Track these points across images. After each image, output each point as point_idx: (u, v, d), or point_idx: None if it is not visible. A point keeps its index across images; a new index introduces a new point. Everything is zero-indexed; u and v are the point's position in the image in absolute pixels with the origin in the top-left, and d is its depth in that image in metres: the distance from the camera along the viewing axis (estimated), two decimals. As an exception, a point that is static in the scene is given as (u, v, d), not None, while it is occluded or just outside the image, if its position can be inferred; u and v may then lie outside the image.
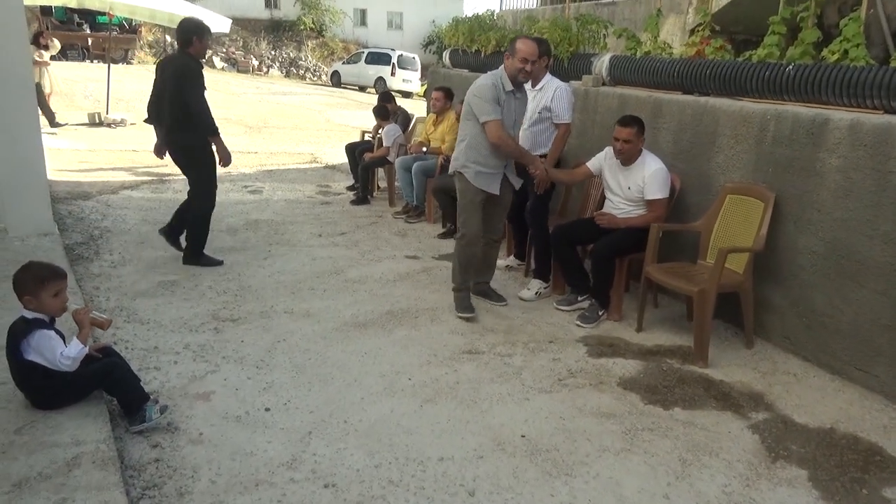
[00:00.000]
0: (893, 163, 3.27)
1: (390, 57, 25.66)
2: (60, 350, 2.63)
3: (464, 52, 7.52)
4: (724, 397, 3.38)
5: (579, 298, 4.46)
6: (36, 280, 2.64)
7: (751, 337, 3.98)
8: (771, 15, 4.28)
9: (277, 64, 28.47)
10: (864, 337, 3.48)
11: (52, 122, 10.77)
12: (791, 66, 3.89)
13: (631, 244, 4.15)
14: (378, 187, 7.85)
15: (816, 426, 3.15)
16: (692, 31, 5.47)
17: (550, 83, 4.56)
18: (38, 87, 10.53)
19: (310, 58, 29.47)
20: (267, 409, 3.02)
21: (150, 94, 4.84)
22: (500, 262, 4.92)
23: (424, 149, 6.63)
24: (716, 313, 3.82)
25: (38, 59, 10.47)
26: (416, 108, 13.58)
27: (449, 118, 6.47)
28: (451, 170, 4.15)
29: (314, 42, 30.31)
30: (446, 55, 8.11)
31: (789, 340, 3.89)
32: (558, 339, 3.99)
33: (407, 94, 24.97)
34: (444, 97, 6.47)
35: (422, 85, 28.26)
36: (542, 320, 4.28)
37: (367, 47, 29.22)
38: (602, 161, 4.40)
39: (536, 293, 4.67)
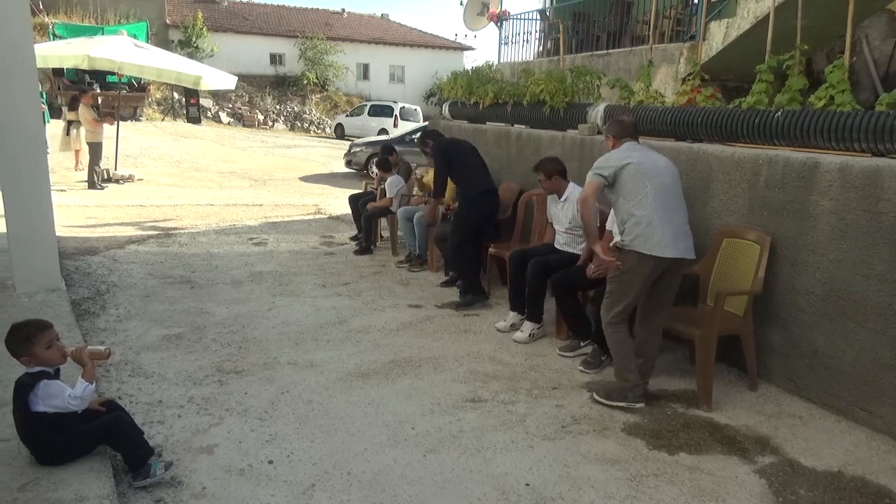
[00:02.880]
0: (884, 204, 3.33)
1: (392, 109, 26.16)
2: (68, 392, 2.66)
3: (463, 104, 7.70)
4: (729, 441, 3.36)
5: (582, 344, 4.47)
6: (22, 340, 2.67)
7: (755, 379, 3.97)
8: (758, 63, 4.40)
9: (282, 118, 29.02)
10: (867, 377, 3.47)
11: (97, 183, 11.08)
12: (779, 112, 3.98)
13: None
14: (381, 237, 7.92)
15: (824, 469, 3.12)
16: (683, 80, 5.63)
17: (573, 194, 4.80)
18: (95, 148, 10.96)
19: (314, 111, 30.05)
20: (270, 462, 3.02)
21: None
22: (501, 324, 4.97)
23: (427, 199, 6.73)
24: (719, 356, 3.82)
25: (94, 121, 10.96)
26: (420, 158, 13.78)
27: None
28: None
29: (318, 96, 30.95)
30: (446, 107, 8.30)
31: (793, 382, 3.88)
32: (562, 385, 3.99)
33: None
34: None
35: (405, 133, 28.67)
36: (545, 366, 4.28)
37: (370, 100, 29.80)
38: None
39: (530, 335, 4.71)
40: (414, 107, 27.31)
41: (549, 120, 6.20)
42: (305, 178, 14.35)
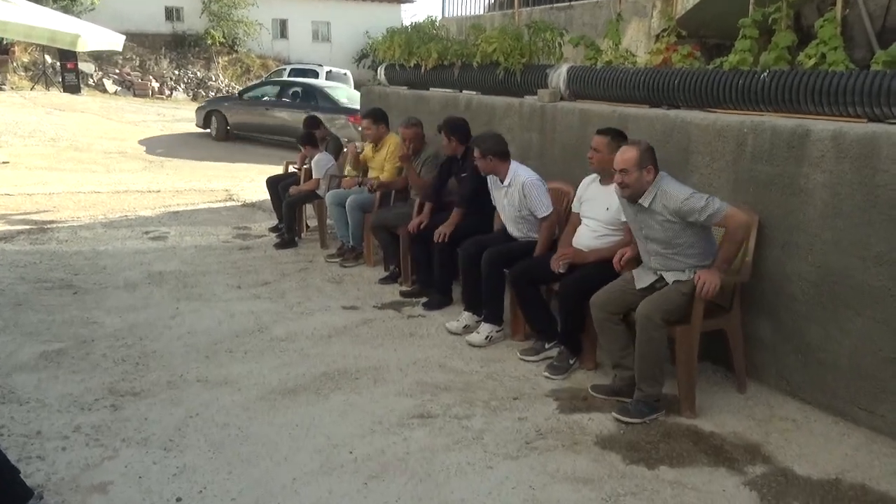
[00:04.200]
0: (881, 176, 3.49)
1: (317, 73, 25.89)
2: None
3: (401, 67, 7.69)
4: (716, 451, 3.47)
5: (546, 346, 4.55)
6: None
7: (742, 379, 4.11)
8: (741, 17, 4.53)
9: (182, 85, 28.36)
10: (867, 372, 3.64)
11: None
12: (766, 73, 4.12)
13: (602, 280, 4.24)
14: (307, 227, 7.87)
15: (820, 477, 3.26)
16: (657, 37, 5.75)
17: (517, 178, 4.87)
18: None
19: (221, 77, 29.46)
20: (178, 500, 2.98)
21: None
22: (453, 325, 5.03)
23: (360, 181, 6.70)
24: (701, 354, 3.94)
25: None
26: (348, 131, 13.73)
27: (389, 144, 6.57)
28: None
29: (226, 59, 30.34)
30: (381, 71, 8.27)
31: (785, 381, 4.03)
32: (524, 394, 4.05)
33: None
34: (373, 124, 6.58)
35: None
36: (503, 373, 4.34)
37: (289, 63, 29.40)
38: (582, 189, 4.61)
39: (487, 338, 4.76)
40: (343, 71, 27.09)
41: (504, 84, 6.25)
42: (209, 157, 14.09)
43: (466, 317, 5.00)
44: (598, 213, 4.45)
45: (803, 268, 3.87)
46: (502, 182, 4.96)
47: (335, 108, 16.30)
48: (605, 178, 4.44)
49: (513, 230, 5.00)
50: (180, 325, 4.97)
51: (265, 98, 17.73)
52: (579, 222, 4.62)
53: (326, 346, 4.69)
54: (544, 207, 4.79)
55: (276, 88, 18.12)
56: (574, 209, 4.71)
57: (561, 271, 4.35)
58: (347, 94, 17.72)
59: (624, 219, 4.29)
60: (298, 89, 17.41)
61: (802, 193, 3.84)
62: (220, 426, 3.59)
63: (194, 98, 28.04)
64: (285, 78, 22.38)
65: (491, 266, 4.73)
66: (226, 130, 17.47)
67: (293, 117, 16.71)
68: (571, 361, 4.36)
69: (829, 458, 3.42)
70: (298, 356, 4.50)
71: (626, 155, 3.78)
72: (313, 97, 16.86)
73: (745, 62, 4.36)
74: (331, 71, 26.51)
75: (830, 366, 3.80)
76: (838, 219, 3.69)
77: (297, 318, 5.18)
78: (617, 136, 4.38)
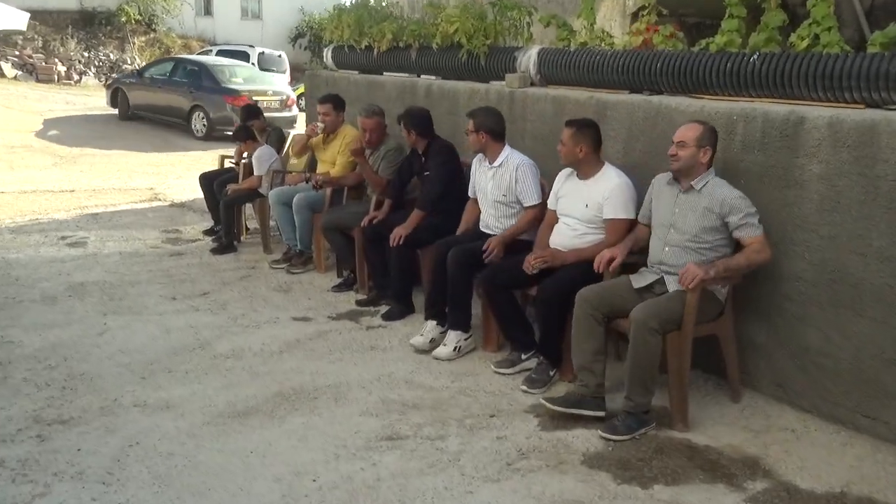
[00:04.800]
0: (881, 166, 3.64)
1: (248, 56, 25.67)
2: None
3: (351, 49, 7.71)
4: (712, 466, 3.58)
5: (523, 357, 4.61)
6: None
7: (737, 388, 4.24)
8: (726, -6, 4.66)
9: (93, 69, 27.87)
10: (869, 376, 3.79)
11: None
12: (755, 56, 4.25)
13: (584, 282, 4.32)
14: (247, 229, 7.84)
15: (825, 491, 3.39)
16: (633, 16, 5.87)
17: (511, 161, 4.99)
18: None
19: (138, 60, 29.01)
20: (123, 539, 2.96)
21: None
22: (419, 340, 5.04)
23: (308, 177, 6.68)
24: (692, 362, 4.05)
25: None
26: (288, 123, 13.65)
27: (343, 136, 6.57)
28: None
29: (143, 39, 29.90)
30: (328, 53, 8.27)
31: (782, 388, 4.17)
32: (501, 411, 4.11)
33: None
34: (333, 109, 6.57)
35: (294, 90, 28.40)
36: (477, 388, 4.40)
37: (215, 44, 29.10)
38: (558, 184, 4.71)
39: (456, 349, 4.81)
40: (277, 52, 26.94)
41: (468, 69, 6.32)
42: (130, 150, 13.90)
43: (431, 328, 5.03)
44: (576, 210, 4.54)
45: (799, 266, 4.00)
46: (491, 163, 5.03)
47: (216, 88, 16.99)
48: (583, 172, 4.54)
49: (489, 220, 5.06)
50: (110, 343, 4.92)
51: (158, 77, 18.55)
52: (556, 220, 4.70)
53: (278, 362, 4.69)
54: (535, 195, 4.91)
55: (170, 65, 18.83)
56: (550, 206, 4.79)
57: (533, 272, 4.41)
58: (248, 75, 18.52)
59: (607, 216, 4.38)
60: (188, 67, 18.24)
61: (797, 186, 3.97)
62: (164, 456, 3.57)
63: (107, 83, 27.59)
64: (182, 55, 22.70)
65: (458, 265, 4.77)
66: (128, 109, 18.52)
67: (174, 98, 17.79)
68: (552, 373, 4.43)
69: (832, 470, 3.56)
70: (247, 375, 4.50)
71: (688, 128, 4.04)
72: (199, 76, 17.60)
73: (732, 44, 4.49)
74: (263, 53, 26.34)
75: (830, 371, 3.94)
76: (836, 213, 3.84)
77: (242, 333, 5.17)
78: (583, 128, 4.50)
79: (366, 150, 6.14)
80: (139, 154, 13.85)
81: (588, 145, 4.48)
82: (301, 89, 28.21)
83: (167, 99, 17.90)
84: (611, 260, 4.16)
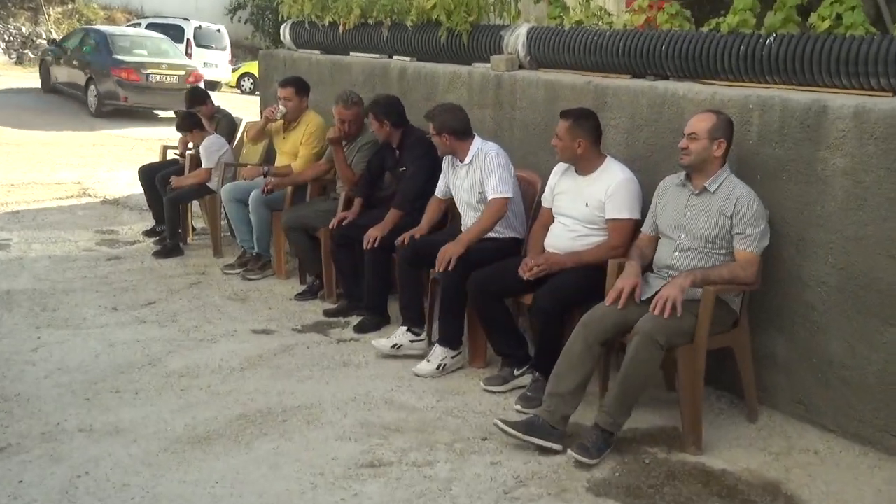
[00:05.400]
0: (913, 161, 3.76)
1: (183, 30, 25.50)
2: None
3: (312, 25, 7.72)
4: (730, 493, 3.66)
5: (516, 373, 4.68)
6: None
7: (754, 406, 4.34)
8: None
9: (2, 44, 27.49)
10: (899, 392, 3.91)
11: None
12: (772, 38, 4.36)
13: (585, 290, 4.41)
14: (193, 229, 7.81)
15: (854, 519, 3.50)
16: (633, -9, 5.96)
17: (480, 154, 5.04)
18: None
19: (54, 33, 28.66)
20: (78, 583, 2.96)
21: None
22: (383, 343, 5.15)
23: (266, 170, 6.68)
24: (706, 378, 4.13)
25: None
26: (234, 105, 13.57)
27: (307, 123, 6.58)
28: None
29: (59, 10, 29.55)
30: (286, 30, 8.27)
31: (803, 406, 4.28)
32: (494, 433, 4.13)
33: (210, 86, 24.78)
34: (296, 94, 6.59)
35: (233, 70, 28.24)
36: (466, 409, 4.45)
37: (143, 16, 28.83)
38: (554, 179, 4.78)
39: (439, 367, 4.86)
40: (216, 27, 26.83)
41: (448, 49, 6.38)
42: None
43: (400, 333, 5.09)
44: (575, 209, 4.61)
45: (822, 270, 4.11)
46: (462, 161, 5.11)
47: (105, 59, 17.58)
48: (583, 168, 4.61)
49: (469, 224, 5.11)
50: (46, 360, 4.89)
51: (71, 48, 19.27)
52: (551, 220, 4.77)
53: (240, 381, 4.70)
54: (497, 187, 4.89)
55: (80, 36, 19.51)
56: (544, 204, 4.87)
57: (528, 278, 4.48)
58: (156, 47, 19.04)
59: (609, 215, 4.45)
60: (92, 38, 18.88)
61: (820, 181, 4.08)
62: (118, 487, 3.56)
63: (19, 61, 27.20)
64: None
65: (451, 276, 4.81)
66: (50, 82, 19.83)
67: (75, 72, 18.54)
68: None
69: (859, 495, 3.66)
70: (205, 395, 4.50)
71: (700, 119, 4.11)
72: (98, 48, 18.25)
73: (746, 24, 4.59)
74: (200, 27, 26.20)
75: (856, 386, 4.05)
76: (862, 211, 3.94)
77: (196, 347, 5.17)
78: (581, 119, 4.56)
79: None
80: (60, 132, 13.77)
81: (587, 139, 4.54)
82: (243, 69, 28.28)
83: (71, 73, 18.81)
84: (631, 291, 4.05)
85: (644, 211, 4.49)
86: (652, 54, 4.92)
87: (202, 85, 17.08)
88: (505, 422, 4.02)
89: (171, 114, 18.33)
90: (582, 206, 4.58)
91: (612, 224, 4.50)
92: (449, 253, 4.75)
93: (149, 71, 17.32)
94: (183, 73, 18.12)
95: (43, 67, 20.40)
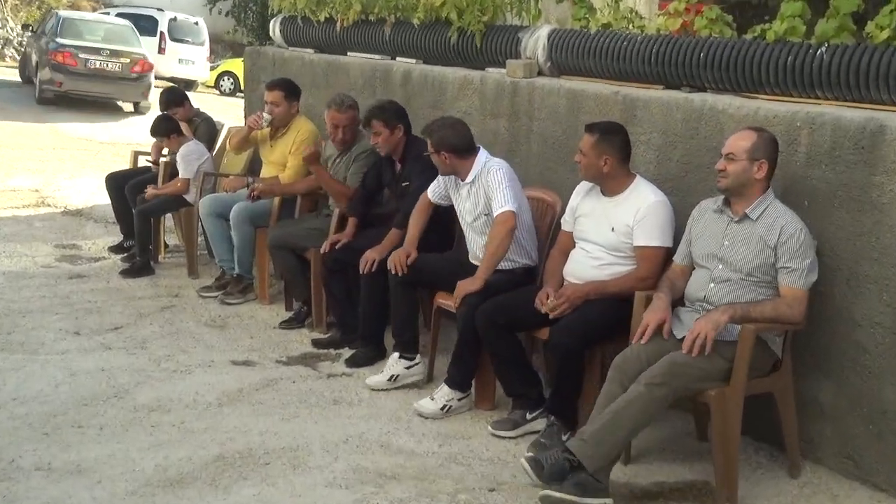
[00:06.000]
0: (980, 189, 3.80)
1: (156, 21, 25.65)
2: None
3: (306, 21, 7.78)
4: (768, 558, 3.68)
5: (528, 416, 4.68)
6: None
7: (796, 460, 4.34)
8: (784, -30, 4.82)
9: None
10: (961, 449, 3.92)
11: None
12: (824, 48, 4.40)
13: (608, 324, 4.43)
14: (166, 246, 7.83)
15: (907, 591, 3.50)
16: (666, -7, 6.00)
17: (484, 170, 5.05)
18: None
19: (11, 23, 28.86)
20: None
21: None
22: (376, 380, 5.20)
23: (250, 180, 6.72)
24: (743, 427, 4.15)
25: None
26: (213, 107, 13.67)
27: (297, 130, 6.62)
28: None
29: None
30: (276, 25, 8.32)
31: (852, 461, 4.28)
32: (503, 483, 4.16)
33: (186, 86, 24.91)
34: (284, 98, 6.62)
35: (211, 68, 28.36)
36: (471, 455, 4.45)
37: (112, 5, 29.00)
38: (576, 199, 4.79)
39: (444, 408, 4.87)
40: (193, 19, 26.94)
41: (458, 51, 6.43)
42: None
43: (393, 362, 5.14)
44: (600, 234, 4.62)
45: (876, 309, 4.12)
46: (464, 180, 5.12)
47: (48, 43, 18.24)
48: (609, 189, 4.64)
49: (477, 251, 5.14)
50: (0, 389, 4.89)
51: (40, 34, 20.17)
52: (572, 245, 4.79)
53: (217, 417, 4.70)
54: (503, 200, 4.87)
55: (50, 21, 20.18)
56: (564, 227, 4.89)
57: (547, 312, 4.49)
58: (121, 36, 19.57)
59: (638, 242, 4.47)
60: (51, 21, 19.77)
61: (875, 210, 4.10)
62: (80, 534, 3.58)
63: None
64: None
65: (468, 314, 4.79)
66: (26, 71, 20.86)
67: (33, 56, 19.30)
68: (565, 438, 4.46)
69: (914, 564, 3.68)
70: (178, 433, 4.50)
71: (739, 137, 4.12)
72: (53, 31, 18.87)
73: (795, 32, 4.63)
74: (175, 19, 26.35)
75: (913, 440, 4.07)
76: (923, 244, 3.98)
77: (168, 379, 5.18)
78: (608, 134, 4.58)
79: (329, 154, 6.20)
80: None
81: (615, 156, 4.56)
82: (223, 67, 28.41)
83: (31, 57, 19.82)
84: (658, 327, 4.08)
85: (678, 238, 4.50)
86: (688, 63, 4.95)
87: (153, 73, 18.16)
88: (540, 473, 3.95)
89: (130, 107, 18.73)
90: (607, 230, 4.60)
91: (641, 252, 4.52)
92: (465, 289, 4.78)
93: (87, 56, 17.65)
94: (128, 60, 18.43)
95: (23, 56, 21.44)
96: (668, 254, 4.52)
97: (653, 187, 4.64)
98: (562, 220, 4.95)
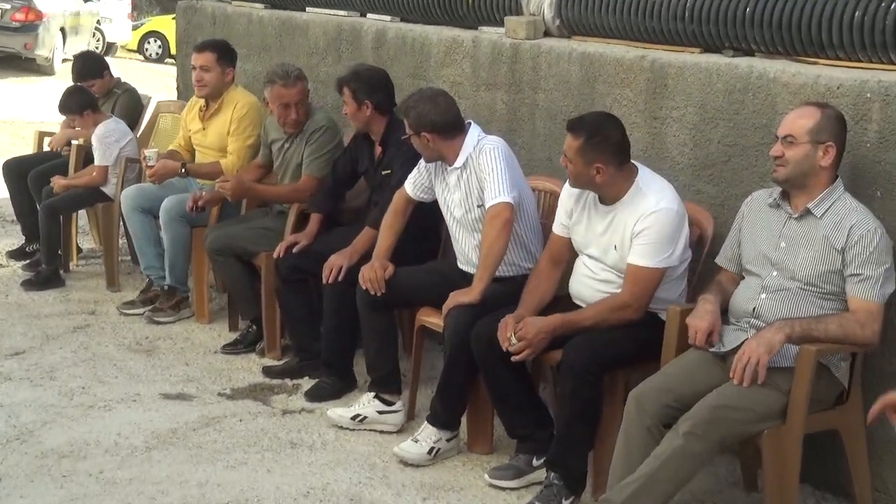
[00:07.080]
0: None
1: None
2: None
3: (254, -31, 7.80)
4: None
5: (535, 462, 4.67)
6: None
7: (866, 511, 4.36)
8: None
9: None
10: None
11: None
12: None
13: (636, 345, 4.41)
14: (79, 250, 7.82)
15: None
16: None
17: (474, 153, 5.00)
18: None
19: None
20: None
21: None
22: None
23: (183, 169, 6.70)
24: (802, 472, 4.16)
25: None
26: (136, 76, 13.64)
27: (233, 104, 6.62)
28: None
29: None
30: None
31: (936, 515, 4.31)
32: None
33: (105, 49, 24.91)
34: (216, 62, 6.61)
35: (134, 28, 28.32)
36: (464, 509, 4.46)
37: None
38: (570, 201, 4.72)
39: (431, 451, 4.86)
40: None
41: (445, 7, 6.43)
42: None
43: (366, 401, 5.13)
44: (601, 250, 4.58)
45: (966, 326, 4.16)
46: (452, 164, 5.07)
47: None
48: (606, 196, 4.55)
49: (469, 252, 5.11)
50: None
51: None
52: (565, 255, 4.76)
53: (145, 465, 4.69)
54: (498, 189, 4.81)
55: None
56: (556, 230, 4.83)
57: (510, 350, 4.41)
58: None
59: (629, 258, 4.35)
60: None
61: (964, 203, 4.14)
62: None
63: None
64: None
65: (461, 335, 4.77)
66: None
67: None
68: (566, 503, 4.43)
69: None
70: (97, 484, 4.48)
71: (799, 115, 4.08)
72: None
73: (861, -16, 4.66)
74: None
75: None
76: None
77: (83, 417, 5.16)
78: (595, 136, 4.43)
79: (274, 138, 6.21)
80: None
81: (609, 162, 4.42)
82: (148, 26, 28.42)
83: None
84: (708, 335, 4.08)
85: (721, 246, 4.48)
86: (731, 20, 4.94)
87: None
88: None
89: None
90: (609, 247, 4.54)
91: (629, 270, 4.42)
92: (457, 301, 4.75)
93: None
94: (8, 6, 18.54)
95: None
96: (661, 277, 4.43)
97: (658, 188, 4.51)
98: (554, 223, 4.86)
